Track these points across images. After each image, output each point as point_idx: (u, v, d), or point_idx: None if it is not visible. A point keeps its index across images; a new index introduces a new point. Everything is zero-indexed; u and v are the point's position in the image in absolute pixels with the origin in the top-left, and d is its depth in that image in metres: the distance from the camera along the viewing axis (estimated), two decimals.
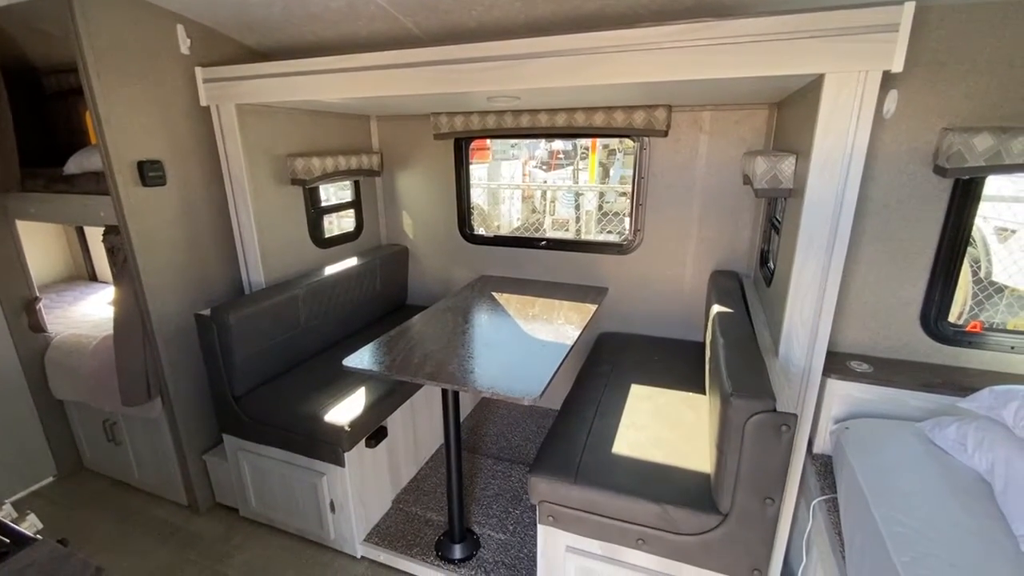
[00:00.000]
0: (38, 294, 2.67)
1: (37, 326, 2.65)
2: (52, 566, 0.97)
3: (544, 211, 7.00)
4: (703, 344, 2.44)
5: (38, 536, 1.08)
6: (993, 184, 3.77)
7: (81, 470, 2.91)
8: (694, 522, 1.58)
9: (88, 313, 2.98)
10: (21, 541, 1.03)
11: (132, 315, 2.23)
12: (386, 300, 3.28)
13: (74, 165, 2.25)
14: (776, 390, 1.46)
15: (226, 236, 2.56)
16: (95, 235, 3.44)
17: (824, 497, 1.70)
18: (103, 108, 1.96)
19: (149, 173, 2.11)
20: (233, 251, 2.59)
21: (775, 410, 1.39)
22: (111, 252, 2.23)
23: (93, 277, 3.68)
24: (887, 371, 1.84)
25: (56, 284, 3.52)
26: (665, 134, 2.58)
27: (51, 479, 2.81)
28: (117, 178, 2.03)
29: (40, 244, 3.47)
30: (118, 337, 2.27)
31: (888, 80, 1.60)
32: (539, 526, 1.83)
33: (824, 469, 1.83)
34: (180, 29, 2.20)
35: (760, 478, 1.46)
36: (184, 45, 2.23)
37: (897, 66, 1.39)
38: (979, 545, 1.21)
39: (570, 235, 6.40)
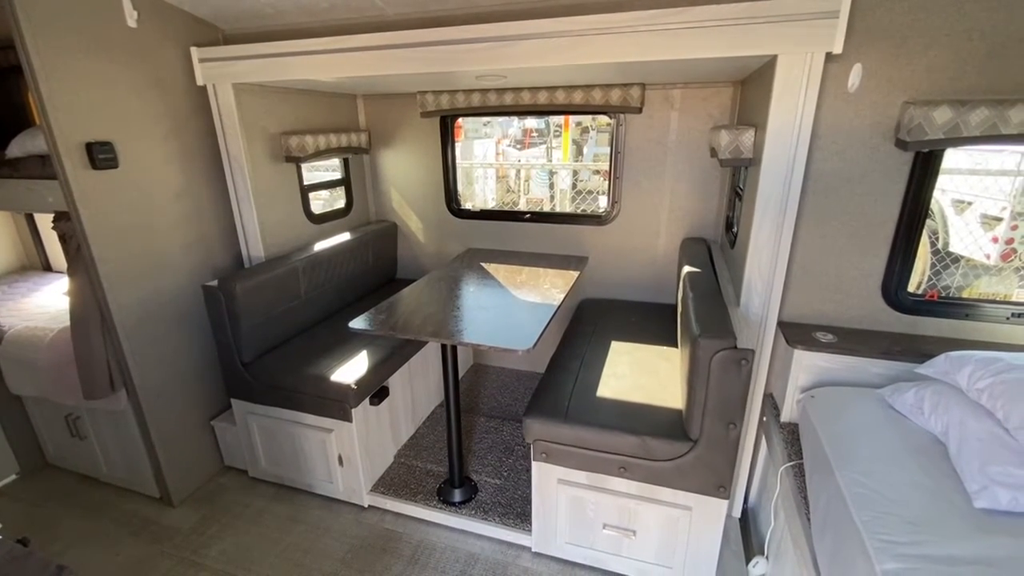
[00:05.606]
0: None
1: None
2: (10, 567, 0.93)
3: (519, 190, 6.95)
4: (675, 305, 2.65)
5: None
6: (951, 157, 3.90)
7: (45, 467, 2.81)
8: (668, 449, 1.79)
9: (43, 305, 2.85)
10: None
11: (89, 305, 2.14)
12: (378, 273, 3.40)
13: (17, 148, 2.11)
14: (737, 332, 1.65)
15: (204, 216, 2.55)
16: (46, 222, 3.27)
17: (791, 463, 1.77)
18: (45, 86, 1.84)
19: (99, 155, 2.00)
20: (215, 230, 2.62)
21: (736, 347, 1.60)
22: (63, 240, 2.12)
23: (47, 267, 3.50)
24: (850, 340, 1.90)
25: (8, 275, 3.34)
26: (639, 111, 2.71)
27: (14, 477, 2.71)
28: (64, 161, 1.92)
29: None
30: (75, 329, 2.18)
31: (846, 56, 1.70)
32: (533, 463, 2.01)
33: (791, 437, 1.89)
34: (125, 1, 2.07)
35: (724, 406, 1.67)
36: (131, 18, 2.10)
37: (837, 48, 1.60)
38: (935, 503, 1.27)
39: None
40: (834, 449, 1.52)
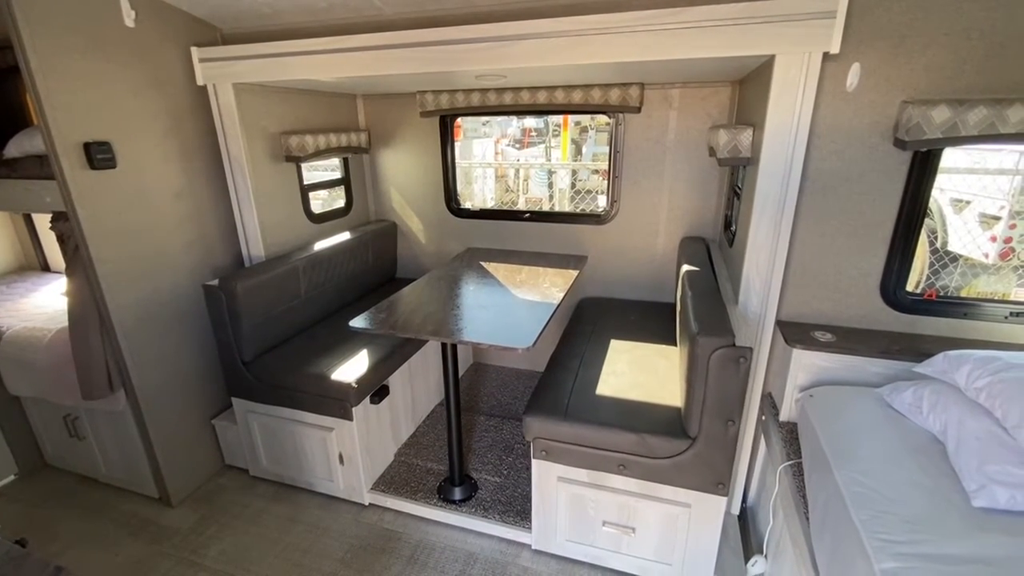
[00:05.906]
0: None
1: None
2: (8, 568, 0.93)
3: (518, 190, 6.95)
4: (674, 304, 2.66)
5: None
6: (949, 156, 3.90)
7: (44, 467, 2.81)
8: (667, 446, 1.80)
9: (41, 305, 2.84)
10: None
11: (87, 305, 2.13)
12: (378, 273, 3.42)
13: (15, 148, 2.11)
14: (735, 330, 1.67)
15: (203, 216, 2.55)
16: (44, 222, 3.26)
17: (790, 462, 1.77)
18: (42, 86, 1.84)
19: (97, 155, 1.99)
20: (215, 230, 2.63)
21: (734, 345, 1.61)
22: (61, 240, 2.12)
23: (45, 267, 3.50)
24: (849, 340, 1.90)
25: (6, 276, 3.34)
26: (638, 110, 2.72)
27: (12, 478, 2.71)
28: (62, 161, 1.92)
29: None
30: (74, 329, 2.17)
31: (844, 56, 1.70)
32: (533, 461, 2.02)
33: (790, 436, 1.89)
34: (123, 1, 2.06)
35: (722, 403, 1.68)
36: (129, 18, 2.10)
37: (835, 48, 1.61)
38: (933, 501, 1.27)
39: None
40: (833, 448, 1.52)
